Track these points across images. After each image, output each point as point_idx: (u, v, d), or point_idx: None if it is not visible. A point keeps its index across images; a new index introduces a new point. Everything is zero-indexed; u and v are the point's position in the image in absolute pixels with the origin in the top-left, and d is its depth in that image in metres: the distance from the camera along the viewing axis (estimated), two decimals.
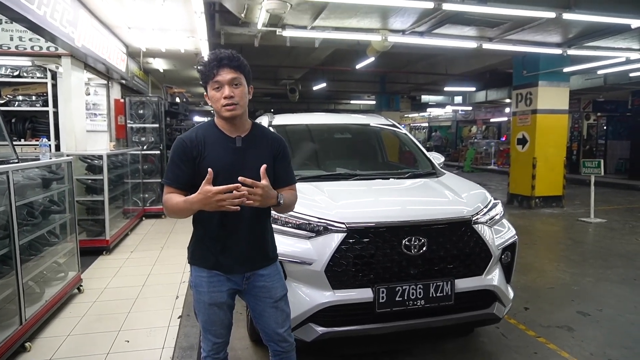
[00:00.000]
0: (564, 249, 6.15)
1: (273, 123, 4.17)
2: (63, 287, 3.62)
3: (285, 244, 2.67)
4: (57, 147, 5.90)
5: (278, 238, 2.69)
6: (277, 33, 5.89)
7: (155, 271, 4.63)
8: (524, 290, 4.36)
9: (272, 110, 21.43)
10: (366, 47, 7.26)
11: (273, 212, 2.73)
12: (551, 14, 5.15)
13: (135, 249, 5.57)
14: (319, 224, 2.68)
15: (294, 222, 2.74)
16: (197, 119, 22.26)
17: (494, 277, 2.90)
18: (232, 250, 1.94)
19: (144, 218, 7.28)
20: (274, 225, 2.73)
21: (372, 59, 9.79)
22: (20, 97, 6.14)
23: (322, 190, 3.07)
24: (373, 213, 2.80)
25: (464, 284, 2.76)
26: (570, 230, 7.28)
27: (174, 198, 1.85)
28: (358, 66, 10.96)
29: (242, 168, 1.83)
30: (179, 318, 3.45)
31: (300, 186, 3.16)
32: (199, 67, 1.91)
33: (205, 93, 1.93)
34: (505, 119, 20.89)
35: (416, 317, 2.71)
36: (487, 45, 6.82)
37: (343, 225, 2.63)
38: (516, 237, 3.10)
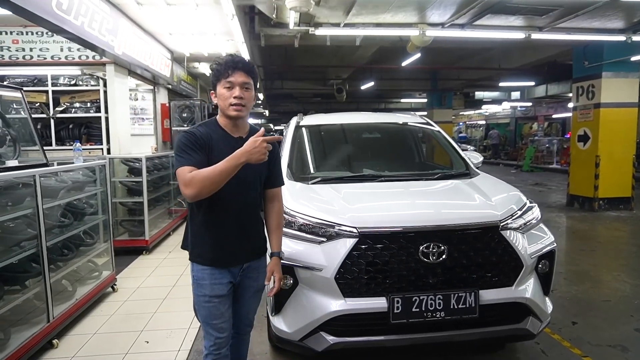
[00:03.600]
0: (627, 257, 5.55)
1: (301, 124, 4.10)
2: (96, 286, 3.76)
3: (296, 249, 2.58)
4: (109, 151, 6.22)
5: (290, 242, 2.63)
6: (310, 32, 5.81)
7: (187, 272, 4.68)
8: (574, 302, 3.95)
9: (316, 111, 21.48)
10: (409, 43, 7.00)
11: (286, 216, 2.69)
12: None
13: (174, 249, 5.72)
14: (330, 228, 2.56)
15: (306, 226, 2.63)
16: (250, 120, 22.75)
17: (526, 288, 2.63)
18: (230, 245, 2.00)
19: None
20: (286, 230, 2.68)
21: (417, 56, 9.49)
22: (77, 104, 6.54)
23: (339, 192, 2.94)
24: (388, 217, 2.62)
25: (490, 295, 2.51)
26: (638, 235, 6.58)
27: (203, 170, 1.77)
28: (404, 63, 10.69)
29: (245, 168, 1.86)
30: None
31: (318, 188, 3.10)
32: (214, 66, 1.98)
33: (212, 91, 2.00)
34: (570, 114, 19.45)
35: (435, 330, 2.51)
36: (536, 36, 6.29)
37: (355, 230, 2.49)
38: (555, 244, 2.79)
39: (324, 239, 2.55)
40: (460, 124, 31.32)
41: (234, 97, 1.90)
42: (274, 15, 5.40)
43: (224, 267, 2.00)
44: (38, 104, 6.21)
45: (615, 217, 7.89)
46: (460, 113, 27.83)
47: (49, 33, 5.78)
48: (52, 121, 6.29)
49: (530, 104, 21.29)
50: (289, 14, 5.15)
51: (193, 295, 2.04)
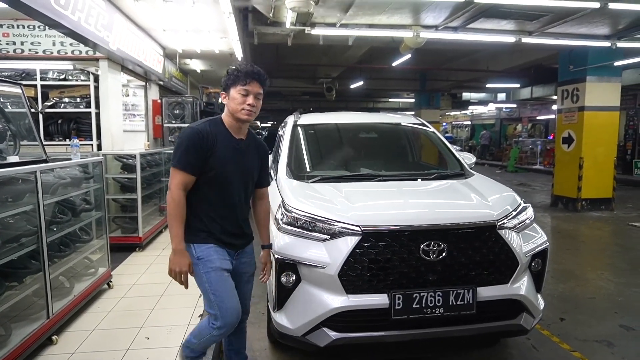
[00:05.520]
0: (610, 256, 5.74)
1: (299, 123, 4.13)
2: (92, 283, 3.75)
3: (300, 247, 2.62)
4: (100, 147, 6.15)
5: (293, 240, 2.68)
6: (307, 31, 5.85)
7: None
8: (561, 300, 4.10)
9: (311, 109, 21.56)
10: (402, 44, 7.08)
11: (289, 214, 2.74)
12: (595, 4, 4.79)
13: (168, 246, 5.69)
14: (333, 226, 2.61)
15: (309, 224, 2.68)
16: None
17: (521, 285, 2.73)
18: (230, 229, 2.23)
19: None
20: (289, 227, 2.73)
21: (408, 56, 9.61)
22: (66, 99, 6.43)
23: (340, 191, 3.00)
24: (390, 216, 2.69)
25: (487, 292, 2.61)
26: (619, 235, 6.80)
27: (173, 211, 2.07)
28: (394, 64, 10.80)
29: (242, 167, 2.24)
30: (199, 317, 3.48)
31: (318, 187, 3.15)
32: (233, 71, 2.13)
33: (222, 92, 2.20)
34: (553, 116, 19.85)
35: (435, 326, 2.59)
36: (526, 40, 6.46)
37: (358, 229, 2.55)
38: (547, 243, 2.90)
39: (327, 237, 2.61)
40: (445, 124, 31.66)
41: (248, 104, 2.13)
42: (270, 15, 5.43)
43: (224, 247, 2.21)
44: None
45: (597, 217, 8.14)
46: (447, 113, 28.16)
47: (41, 27, 5.71)
48: (40, 116, 6.20)
49: (515, 105, 21.70)
50: (286, 13, 5.18)
51: (200, 276, 2.16)
